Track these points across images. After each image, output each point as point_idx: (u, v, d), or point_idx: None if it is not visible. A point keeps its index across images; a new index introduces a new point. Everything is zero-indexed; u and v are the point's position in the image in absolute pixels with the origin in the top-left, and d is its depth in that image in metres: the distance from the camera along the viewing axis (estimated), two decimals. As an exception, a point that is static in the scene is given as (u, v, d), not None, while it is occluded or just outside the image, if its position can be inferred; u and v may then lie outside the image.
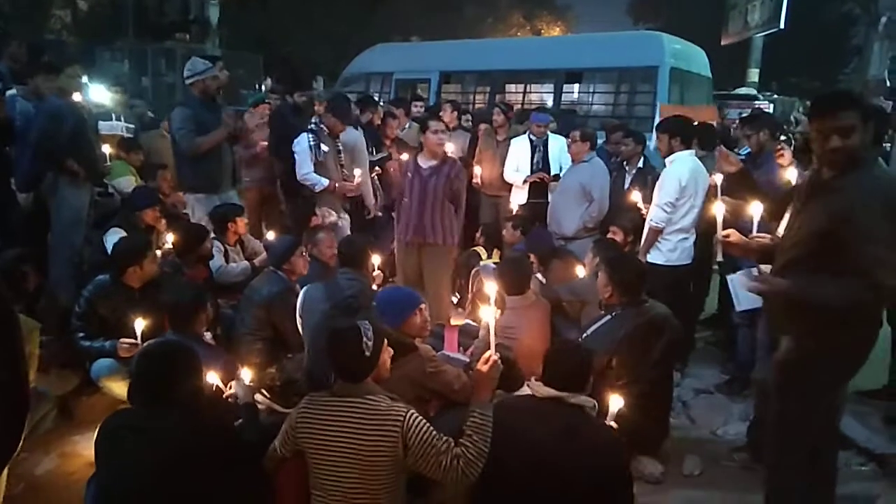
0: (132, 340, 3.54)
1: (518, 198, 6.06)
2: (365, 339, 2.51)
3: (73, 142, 4.87)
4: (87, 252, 5.02)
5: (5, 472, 1.84)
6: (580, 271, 4.55)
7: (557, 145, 6.32)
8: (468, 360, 3.50)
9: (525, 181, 6.16)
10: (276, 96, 7.43)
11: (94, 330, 3.83)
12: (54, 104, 4.88)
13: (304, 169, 5.40)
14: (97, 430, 2.43)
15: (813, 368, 2.68)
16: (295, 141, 5.47)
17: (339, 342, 2.52)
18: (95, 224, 5.15)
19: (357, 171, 5.78)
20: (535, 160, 6.23)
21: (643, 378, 3.34)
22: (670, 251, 4.51)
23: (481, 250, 5.73)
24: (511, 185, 6.32)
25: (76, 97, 5.25)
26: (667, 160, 4.60)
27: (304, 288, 3.84)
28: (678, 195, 4.43)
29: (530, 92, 11.23)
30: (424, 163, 4.89)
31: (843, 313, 2.53)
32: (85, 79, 5.96)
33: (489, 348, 2.60)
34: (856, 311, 2.54)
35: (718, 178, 4.06)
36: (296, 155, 5.45)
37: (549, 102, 10.60)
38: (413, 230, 4.91)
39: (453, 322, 4.49)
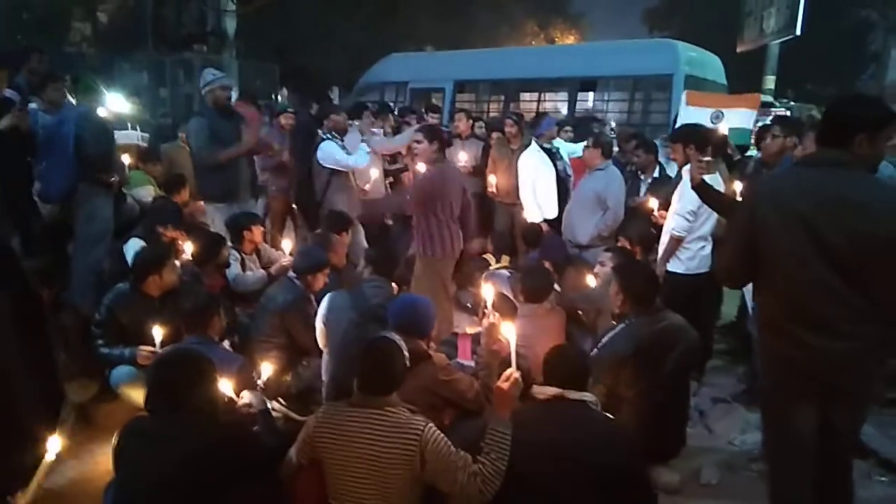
0: (151, 348, 3.58)
1: (534, 213, 6.05)
2: (404, 355, 2.54)
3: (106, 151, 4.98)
4: (106, 261, 5.08)
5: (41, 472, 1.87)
6: (590, 281, 4.54)
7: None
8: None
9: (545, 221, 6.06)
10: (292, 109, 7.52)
11: (113, 338, 3.87)
12: (89, 113, 4.98)
13: (339, 156, 5.49)
14: (115, 436, 2.45)
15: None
16: (319, 148, 5.51)
17: (378, 356, 2.55)
18: (114, 233, 5.22)
19: (374, 171, 5.85)
20: (558, 168, 6.21)
21: (656, 387, 3.33)
22: (689, 259, 4.47)
23: (489, 257, 5.73)
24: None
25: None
26: (684, 170, 4.56)
27: (329, 295, 3.85)
28: (700, 203, 4.39)
29: (545, 100, 11.26)
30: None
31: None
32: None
33: (500, 359, 2.61)
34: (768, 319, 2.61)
35: (738, 186, 4.05)
36: (323, 155, 5.50)
37: (564, 111, 10.60)
38: None
39: (467, 330, 4.50)
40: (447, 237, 4.76)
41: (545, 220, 5.95)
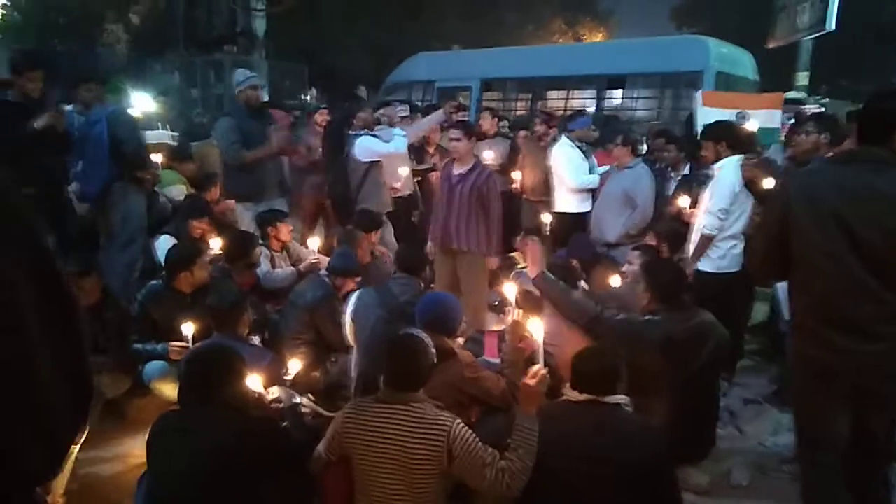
0: (183, 343, 3.63)
1: (565, 203, 6.04)
2: (430, 351, 2.55)
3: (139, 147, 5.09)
4: (140, 258, 5.17)
5: (69, 466, 1.91)
6: (616, 281, 4.50)
7: None
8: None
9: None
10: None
11: (146, 333, 3.95)
12: (118, 111, 5.08)
13: (378, 147, 5.48)
14: (148, 431, 2.50)
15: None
16: (355, 144, 5.53)
17: (404, 352, 2.56)
18: (147, 231, 5.30)
19: (404, 169, 5.86)
20: (589, 166, 6.19)
21: (687, 385, 3.29)
22: (720, 258, 4.41)
23: (518, 256, 5.71)
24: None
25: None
26: (715, 167, 4.50)
27: (357, 292, 3.89)
28: (731, 201, 4.31)
29: (572, 98, 11.16)
30: (456, 170, 4.93)
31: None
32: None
33: (525, 356, 2.59)
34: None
35: (769, 183, 3.99)
36: (360, 150, 5.49)
37: (592, 109, 10.52)
38: (441, 237, 4.99)
39: (494, 328, 4.50)
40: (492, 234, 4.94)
41: (576, 214, 5.92)
